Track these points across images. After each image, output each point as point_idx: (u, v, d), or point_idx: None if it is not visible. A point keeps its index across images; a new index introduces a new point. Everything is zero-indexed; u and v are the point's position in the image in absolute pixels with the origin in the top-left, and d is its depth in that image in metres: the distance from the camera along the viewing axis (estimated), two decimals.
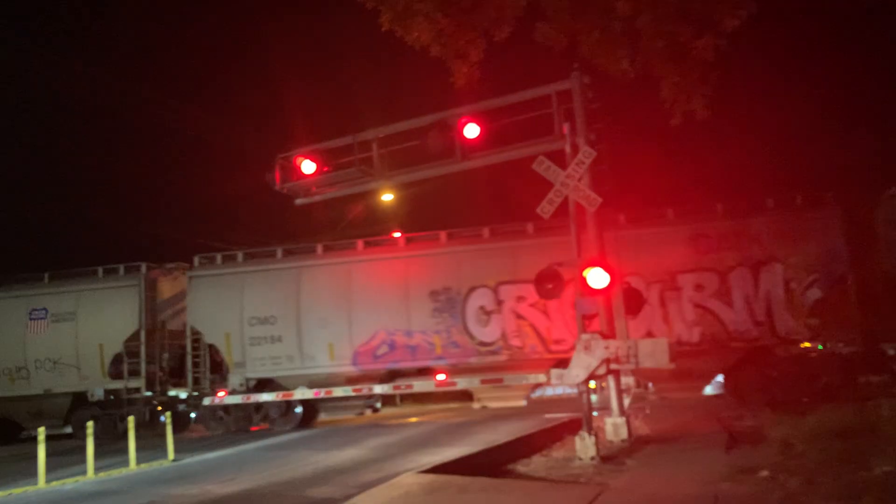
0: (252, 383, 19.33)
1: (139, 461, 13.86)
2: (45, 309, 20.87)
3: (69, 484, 12.26)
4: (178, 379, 20.32)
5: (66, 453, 15.43)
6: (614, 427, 11.72)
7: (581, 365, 10.79)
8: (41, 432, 12.76)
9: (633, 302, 12.14)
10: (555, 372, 11.53)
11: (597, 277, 10.82)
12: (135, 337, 20.19)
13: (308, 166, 14.04)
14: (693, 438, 12.06)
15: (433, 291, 18.45)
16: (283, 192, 14.52)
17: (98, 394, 20.39)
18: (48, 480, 12.26)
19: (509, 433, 13.80)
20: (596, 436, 10.48)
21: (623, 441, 11.54)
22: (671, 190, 20.63)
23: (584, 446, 10.38)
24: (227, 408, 19.45)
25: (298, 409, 19.41)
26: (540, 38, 8.28)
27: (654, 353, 10.59)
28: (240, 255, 20.34)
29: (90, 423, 13.64)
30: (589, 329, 11.15)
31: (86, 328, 20.49)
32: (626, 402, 12.00)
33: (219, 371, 19.56)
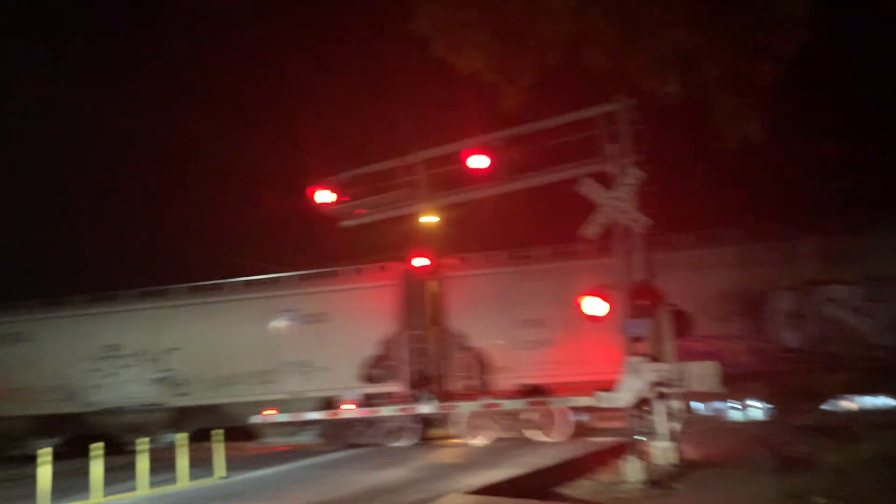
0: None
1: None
2: (295, 310, 20.13)
3: (124, 499, 12.54)
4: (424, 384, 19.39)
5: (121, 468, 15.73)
6: (662, 451, 11.59)
7: (630, 388, 10.75)
8: (95, 449, 13.03)
9: (682, 325, 12.05)
10: (602, 395, 11.49)
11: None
12: (391, 339, 19.22)
13: (354, 189, 14.31)
14: (743, 463, 11.86)
15: (727, 293, 17.24)
16: (330, 214, 14.79)
17: (351, 398, 19.33)
18: (105, 495, 12.55)
19: (554, 456, 13.72)
20: (644, 460, 10.39)
21: (671, 465, 11.41)
22: (722, 212, 20.35)
23: (632, 470, 10.31)
24: None
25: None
26: (588, 61, 8.38)
27: (704, 377, 10.51)
28: (501, 255, 19.63)
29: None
30: (637, 352, 11.11)
31: (339, 330, 19.52)
32: (675, 426, 11.85)
33: (484, 375, 18.77)
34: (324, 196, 14.33)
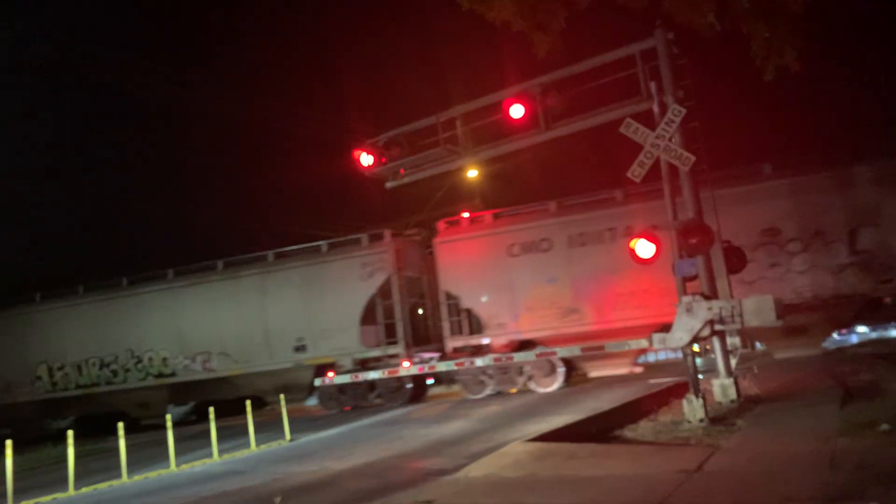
0: None
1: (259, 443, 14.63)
2: None
3: (198, 466, 13.08)
4: None
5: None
6: (722, 388, 11.54)
7: (684, 328, 10.66)
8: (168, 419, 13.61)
9: (735, 261, 11.87)
10: (657, 337, 11.42)
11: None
12: None
13: (395, 150, 14.30)
14: (805, 396, 11.74)
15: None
16: (373, 176, 14.86)
17: None
18: (178, 464, 13.11)
19: (614, 400, 13.81)
20: (704, 398, 10.37)
21: (732, 402, 11.36)
22: (768, 143, 19.85)
23: (692, 409, 10.29)
24: None
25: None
26: None
27: (761, 311, 10.35)
28: None
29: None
30: (690, 291, 11.00)
31: None
32: (733, 362, 11.77)
33: None
34: (366, 159, 14.37)
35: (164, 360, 22.74)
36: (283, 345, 21.05)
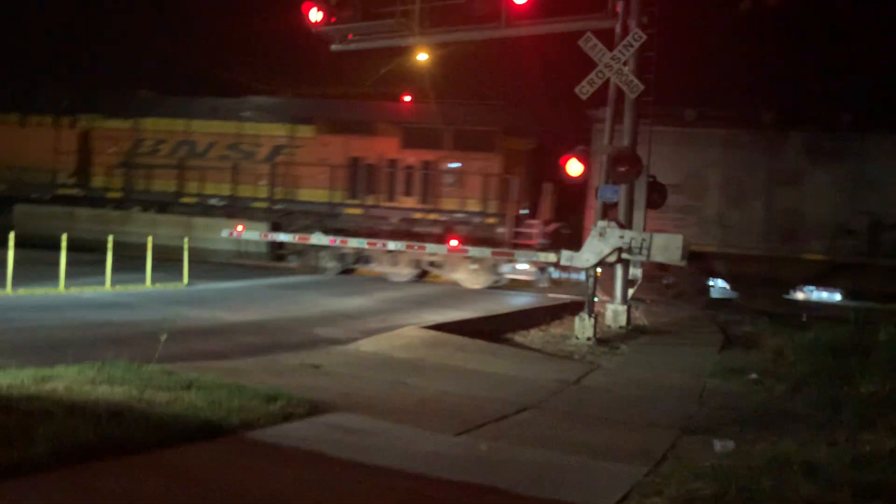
0: None
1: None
2: None
3: (87, 292, 12.77)
4: None
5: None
6: (614, 313, 12.04)
7: (593, 250, 10.94)
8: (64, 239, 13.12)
9: (657, 196, 12.13)
10: (566, 254, 11.71)
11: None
12: None
13: (347, 11, 13.71)
14: (689, 336, 12.39)
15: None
16: (319, 35, 14.24)
17: None
18: (67, 286, 12.73)
19: (510, 306, 14.21)
20: (596, 319, 10.79)
21: (621, 328, 11.89)
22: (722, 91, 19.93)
23: (583, 327, 10.71)
24: None
25: None
26: None
27: (668, 249, 10.70)
28: None
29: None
30: (607, 216, 11.23)
31: None
32: (630, 292, 12.23)
33: None
34: (316, 14, 13.70)
35: None
36: None
